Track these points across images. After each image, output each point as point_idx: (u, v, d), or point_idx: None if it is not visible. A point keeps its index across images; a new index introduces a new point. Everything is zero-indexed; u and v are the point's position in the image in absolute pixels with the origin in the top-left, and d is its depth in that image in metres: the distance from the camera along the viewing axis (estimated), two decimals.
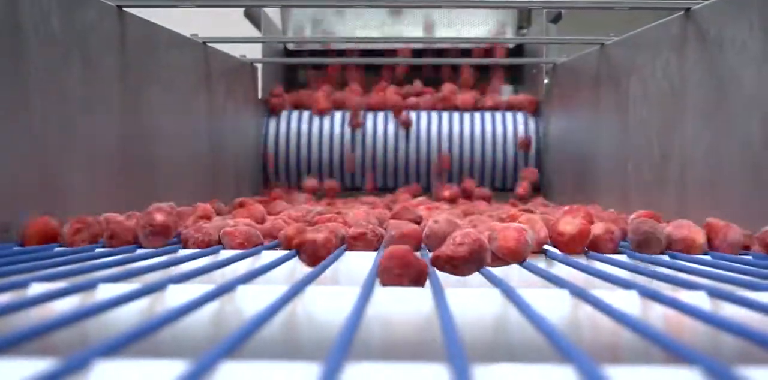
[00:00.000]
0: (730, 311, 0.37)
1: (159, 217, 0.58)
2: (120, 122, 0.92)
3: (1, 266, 0.46)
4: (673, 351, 0.26)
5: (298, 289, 0.38)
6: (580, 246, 0.59)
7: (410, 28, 1.83)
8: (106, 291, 0.39)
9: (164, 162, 1.07)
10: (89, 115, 0.84)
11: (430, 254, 0.49)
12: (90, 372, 0.23)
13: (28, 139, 0.71)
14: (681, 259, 0.57)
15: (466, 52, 1.80)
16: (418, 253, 0.52)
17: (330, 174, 1.61)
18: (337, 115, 1.63)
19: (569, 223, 0.58)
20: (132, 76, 0.96)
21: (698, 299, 0.39)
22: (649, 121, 1.05)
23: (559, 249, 0.58)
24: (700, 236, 0.60)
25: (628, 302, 0.38)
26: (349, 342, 0.26)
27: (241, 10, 1.65)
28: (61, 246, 0.62)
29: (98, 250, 0.59)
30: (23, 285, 0.40)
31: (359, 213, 0.75)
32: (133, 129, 0.96)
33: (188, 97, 1.20)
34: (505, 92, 1.89)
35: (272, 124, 1.62)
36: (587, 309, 0.37)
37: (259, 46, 1.65)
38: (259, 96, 1.63)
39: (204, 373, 0.22)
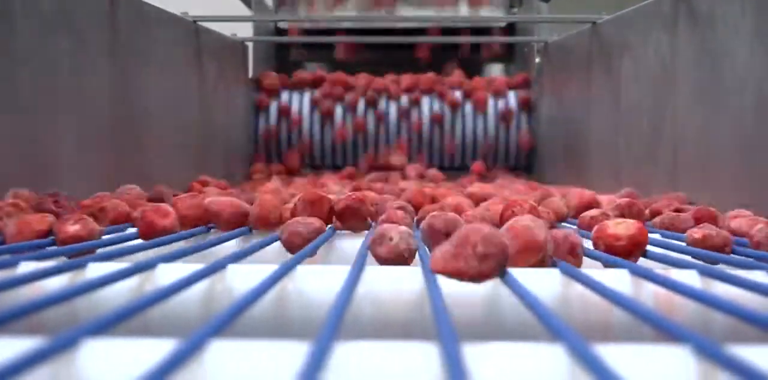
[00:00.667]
0: (721, 289, 0.37)
1: (71, 229, 0.50)
2: (109, 99, 0.92)
3: None
4: (664, 329, 0.25)
5: (288, 268, 0.38)
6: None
7: (403, 7, 1.83)
8: (95, 270, 0.39)
9: (154, 139, 1.06)
10: (78, 92, 0.83)
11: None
12: (79, 350, 0.23)
13: (15, 115, 0.71)
14: (672, 238, 0.57)
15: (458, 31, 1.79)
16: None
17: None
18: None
19: (621, 225, 0.46)
20: (122, 53, 0.95)
21: (689, 277, 0.39)
22: (640, 100, 1.05)
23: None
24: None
25: (619, 280, 0.38)
26: (339, 320, 0.26)
27: None
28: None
29: None
30: (12, 264, 0.40)
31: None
32: (123, 106, 0.96)
33: (178, 75, 1.19)
34: (496, 71, 1.88)
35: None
36: (578, 288, 0.37)
37: (249, 25, 1.65)
38: (250, 75, 1.62)
39: (193, 352, 0.22)
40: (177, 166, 1.16)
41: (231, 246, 0.54)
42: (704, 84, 0.85)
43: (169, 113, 1.13)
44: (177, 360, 0.21)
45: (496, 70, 1.94)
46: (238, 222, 0.57)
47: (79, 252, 0.46)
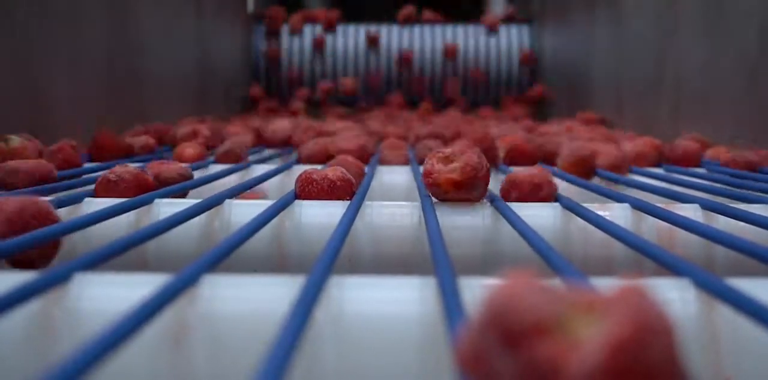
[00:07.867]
0: (723, 224, 0.37)
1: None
2: (106, 37, 0.91)
3: None
4: (664, 263, 0.25)
5: (285, 203, 0.38)
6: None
7: None
8: (92, 205, 0.39)
9: (152, 76, 1.05)
10: (74, 29, 0.82)
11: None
12: (71, 284, 0.23)
13: (10, 54, 0.70)
14: (675, 172, 0.56)
15: None
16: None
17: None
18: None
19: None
20: None
21: (691, 212, 0.38)
22: (644, 33, 1.04)
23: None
24: None
25: (620, 215, 0.38)
26: (335, 254, 0.26)
27: None
28: None
29: (86, 165, 0.59)
30: None
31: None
32: (120, 44, 0.94)
33: (176, 10, 1.17)
34: (498, 5, 1.86)
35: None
36: (579, 222, 0.37)
37: None
38: (249, 10, 1.60)
39: (187, 286, 0.22)
40: (175, 103, 1.15)
41: (230, 181, 0.54)
42: (709, 15, 0.84)
43: (166, 49, 1.12)
44: (170, 295, 0.20)
45: (498, 3, 1.91)
46: None
47: None
